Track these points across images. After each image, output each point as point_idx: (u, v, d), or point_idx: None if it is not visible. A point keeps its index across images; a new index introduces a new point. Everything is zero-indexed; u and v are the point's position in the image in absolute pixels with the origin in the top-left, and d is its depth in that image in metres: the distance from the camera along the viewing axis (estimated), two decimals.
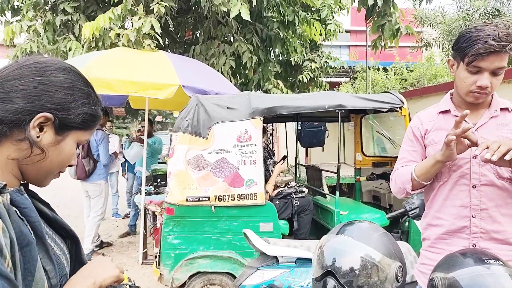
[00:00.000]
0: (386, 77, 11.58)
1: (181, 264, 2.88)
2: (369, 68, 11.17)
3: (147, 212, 4.14)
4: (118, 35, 4.12)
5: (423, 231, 1.53)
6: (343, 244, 1.11)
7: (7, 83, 0.68)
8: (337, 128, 3.19)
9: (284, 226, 3.30)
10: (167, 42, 5.90)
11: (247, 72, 5.80)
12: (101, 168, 4.57)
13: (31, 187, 0.78)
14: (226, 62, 4.95)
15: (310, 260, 1.22)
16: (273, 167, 3.90)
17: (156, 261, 3.16)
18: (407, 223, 3.22)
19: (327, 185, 5.11)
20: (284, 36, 5.89)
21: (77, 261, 0.82)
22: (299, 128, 5.06)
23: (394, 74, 11.60)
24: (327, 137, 5.87)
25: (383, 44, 5.45)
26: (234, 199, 2.86)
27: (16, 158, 0.69)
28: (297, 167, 4.98)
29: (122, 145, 5.71)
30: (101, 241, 4.85)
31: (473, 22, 6.27)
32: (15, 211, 0.63)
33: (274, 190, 3.57)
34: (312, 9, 6.26)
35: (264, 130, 3.98)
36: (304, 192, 3.58)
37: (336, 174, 3.15)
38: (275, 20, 5.69)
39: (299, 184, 3.96)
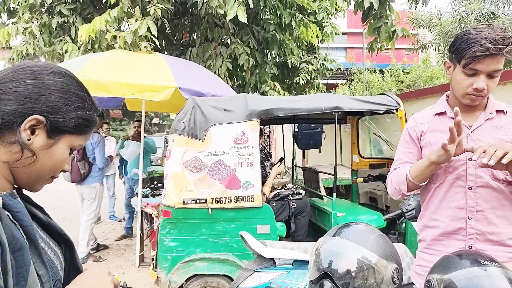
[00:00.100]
0: (383, 79, 11.64)
1: (178, 266, 2.87)
2: (365, 70, 11.22)
3: (144, 214, 4.13)
4: (115, 37, 4.11)
5: (419, 232, 1.53)
6: (339, 246, 1.11)
7: (1, 85, 0.68)
8: (334, 130, 3.20)
9: (281, 228, 3.30)
10: (163, 44, 5.90)
11: (243, 74, 5.80)
12: (97, 170, 4.53)
13: (25, 191, 0.78)
14: (222, 64, 4.95)
15: (307, 262, 1.22)
16: (270, 169, 3.90)
17: (153, 264, 3.15)
18: (404, 225, 3.22)
19: (324, 186, 5.11)
20: (280, 38, 5.90)
21: (72, 265, 0.81)
22: (296, 130, 5.07)
23: (391, 76, 11.66)
24: (324, 139, 5.88)
25: (379, 46, 5.47)
26: (231, 201, 2.86)
27: (6, 161, 0.68)
28: (294, 169, 4.98)
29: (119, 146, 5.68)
30: (98, 244, 4.82)
31: (469, 24, 6.32)
32: (8, 215, 0.62)
33: (271, 192, 3.56)
34: (309, 11, 6.29)
35: (261, 132, 3.98)
36: (301, 194, 3.58)
37: (333, 176, 3.16)
38: (272, 22, 5.71)
39: (296, 186, 3.96)
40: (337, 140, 3.28)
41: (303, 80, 6.54)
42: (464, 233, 1.34)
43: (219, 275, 2.90)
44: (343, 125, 4.94)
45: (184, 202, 2.84)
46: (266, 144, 9.45)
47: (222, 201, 2.85)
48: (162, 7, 4.05)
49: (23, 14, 4.75)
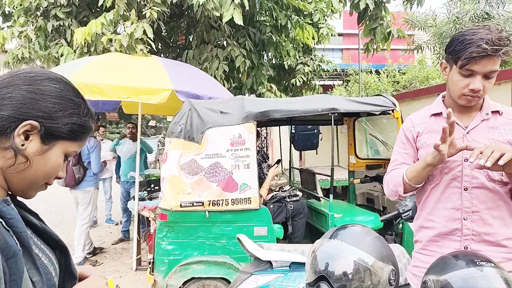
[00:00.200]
0: (379, 79, 11.69)
1: (175, 270, 2.86)
2: (361, 71, 11.26)
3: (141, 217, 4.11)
4: (110, 40, 4.10)
5: (415, 233, 1.53)
6: (335, 249, 1.11)
7: None
8: (331, 131, 3.20)
9: (279, 230, 3.30)
10: (159, 47, 5.90)
11: (240, 76, 5.81)
12: (91, 175, 4.49)
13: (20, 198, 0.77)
14: (219, 66, 4.95)
15: (304, 264, 1.22)
16: (267, 171, 3.90)
17: (150, 268, 3.14)
18: (400, 225, 3.23)
19: (321, 188, 5.13)
20: (277, 40, 5.91)
21: (67, 271, 0.81)
22: (293, 131, 5.07)
23: (387, 77, 11.72)
24: (321, 140, 5.89)
25: (375, 47, 5.50)
26: (228, 203, 2.85)
27: (0, 167, 0.67)
28: (291, 170, 4.98)
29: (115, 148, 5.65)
30: (94, 247, 4.80)
31: (463, 25, 6.35)
32: (1, 222, 0.62)
33: (268, 194, 3.56)
34: (305, 13, 6.30)
35: (258, 134, 3.98)
36: (298, 195, 3.58)
37: (330, 177, 3.16)
38: (268, 24, 5.72)
39: (293, 187, 3.96)
40: (334, 141, 3.29)
41: (299, 81, 6.56)
42: (460, 233, 1.35)
43: (217, 278, 2.90)
44: (339, 126, 4.95)
45: (181, 205, 2.83)
46: (263, 146, 9.46)
47: (219, 204, 2.85)
48: (158, 10, 4.05)
49: (18, 17, 4.73)
